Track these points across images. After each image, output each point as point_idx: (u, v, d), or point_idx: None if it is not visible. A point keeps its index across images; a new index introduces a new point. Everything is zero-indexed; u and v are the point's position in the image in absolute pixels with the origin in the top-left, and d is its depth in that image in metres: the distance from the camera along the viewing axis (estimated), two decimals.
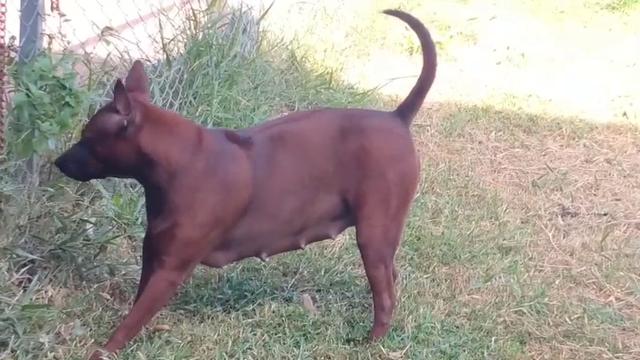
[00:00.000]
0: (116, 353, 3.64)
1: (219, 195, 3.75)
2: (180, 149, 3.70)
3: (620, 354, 4.20)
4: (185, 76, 5.85)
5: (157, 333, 3.85)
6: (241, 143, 3.83)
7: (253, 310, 4.11)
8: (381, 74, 7.86)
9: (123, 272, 4.27)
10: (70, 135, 4.49)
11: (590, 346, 4.23)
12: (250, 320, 4.03)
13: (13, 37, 4.15)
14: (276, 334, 3.98)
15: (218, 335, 3.89)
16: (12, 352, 3.54)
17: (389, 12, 4.63)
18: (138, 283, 4.07)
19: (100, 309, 3.97)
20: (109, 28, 4.85)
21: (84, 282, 4.14)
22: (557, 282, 4.82)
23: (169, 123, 3.77)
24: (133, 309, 3.82)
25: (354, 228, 4.06)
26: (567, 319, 4.42)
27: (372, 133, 3.98)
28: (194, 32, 6.06)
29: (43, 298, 3.94)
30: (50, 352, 3.60)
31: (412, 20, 4.27)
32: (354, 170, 3.91)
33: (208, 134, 3.85)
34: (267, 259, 4.10)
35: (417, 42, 8.60)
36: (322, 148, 3.91)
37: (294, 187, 3.87)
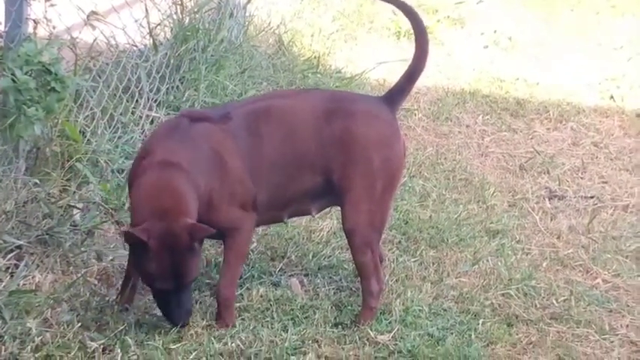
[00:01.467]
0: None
1: (217, 174, 3.77)
2: (184, 198, 3.66)
3: (607, 336, 4.22)
4: (172, 61, 5.84)
5: (147, 317, 3.85)
6: (212, 119, 3.84)
7: (241, 294, 4.11)
8: (369, 58, 7.85)
9: (110, 257, 4.26)
10: (56, 120, 4.48)
11: (577, 328, 4.25)
12: (238, 305, 4.02)
13: None
14: (264, 318, 3.98)
15: (206, 320, 3.89)
16: None
17: None
18: (125, 267, 4.06)
19: (88, 294, 3.95)
20: (94, 13, 4.84)
21: (71, 267, 4.14)
22: (544, 264, 4.83)
23: (169, 198, 3.63)
24: (228, 263, 3.91)
25: (339, 213, 4.06)
26: (554, 302, 4.43)
27: (358, 117, 3.98)
28: (180, 17, 6.04)
29: (30, 283, 3.93)
30: (38, 337, 3.58)
31: (405, 7, 4.23)
32: (338, 153, 3.91)
33: (164, 155, 3.70)
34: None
35: (404, 26, 8.64)
36: (306, 127, 3.91)
37: (279, 161, 3.88)
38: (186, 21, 6.07)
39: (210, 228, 3.60)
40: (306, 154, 3.91)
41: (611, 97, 7.97)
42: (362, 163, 3.93)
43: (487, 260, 4.75)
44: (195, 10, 6.16)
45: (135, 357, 3.60)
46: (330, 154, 3.92)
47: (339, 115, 3.94)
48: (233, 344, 3.74)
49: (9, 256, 3.94)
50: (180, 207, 3.59)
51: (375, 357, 3.83)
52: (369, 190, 3.94)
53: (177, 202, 3.59)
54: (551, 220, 5.48)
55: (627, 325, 4.36)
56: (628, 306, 4.55)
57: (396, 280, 4.43)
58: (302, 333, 3.89)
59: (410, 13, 4.19)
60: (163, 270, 3.57)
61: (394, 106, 4.10)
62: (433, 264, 4.68)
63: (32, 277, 3.96)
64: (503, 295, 4.43)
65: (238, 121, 3.85)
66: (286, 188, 3.95)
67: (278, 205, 3.99)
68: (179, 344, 3.71)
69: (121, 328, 3.72)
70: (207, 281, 4.22)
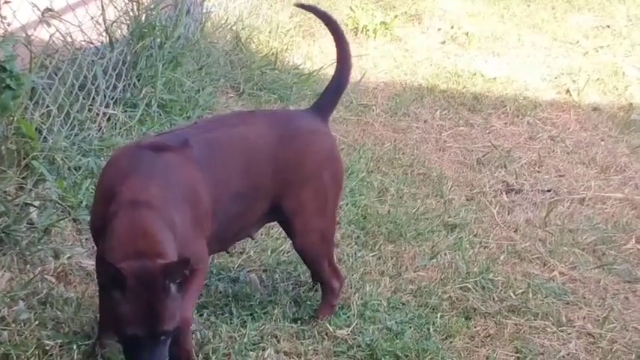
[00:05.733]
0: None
1: (188, 205, 3.52)
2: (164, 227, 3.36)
3: (564, 327, 4.27)
4: (128, 58, 5.81)
5: None
6: (175, 149, 3.55)
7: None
8: (326, 55, 7.85)
9: (67, 255, 4.22)
10: (11, 118, 4.44)
11: (535, 320, 4.29)
12: (198, 301, 4.00)
13: None
14: (222, 314, 3.98)
15: None
16: None
17: (301, 6, 4.46)
18: (82, 266, 4.05)
19: (45, 292, 3.93)
20: (49, 10, 4.81)
21: (28, 265, 4.11)
22: (501, 258, 4.86)
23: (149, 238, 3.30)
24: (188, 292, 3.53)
25: None
26: (512, 294, 4.47)
27: (306, 136, 3.91)
28: (137, 14, 6.00)
29: None
30: None
31: (325, 16, 4.19)
32: (292, 175, 3.82)
33: (132, 193, 3.36)
34: None
35: (362, 22, 8.66)
36: (265, 155, 3.78)
37: (240, 192, 3.73)
38: (143, 18, 6.03)
39: (185, 269, 3.25)
40: (264, 183, 3.78)
41: (568, 91, 8.05)
42: (313, 182, 3.87)
43: (445, 254, 4.78)
44: (152, 6, 6.13)
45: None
46: (284, 177, 3.81)
47: (290, 138, 3.84)
48: (192, 340, 3.72)
49: None
50: (154, 248, 3.26)
51: (334, 351, 3.85)
52: (321, 206, 3.90)
53: (151, 244, 3.26)
54: (509, 213, 5.52)
55: (584, 317, 4.41)
56: (584, 298, 4.60)
57: (355, 275, 4.44)
58: (261, 328, 3.90)
59: (330, 23, 4.15)
60: (137, 312, 3.17)
61: (327, 118, 4.05)
62: (392, 258, 4.70)
63: None
64: (461, 288, 4.46)
65: (199, 150, 3.61)
66: (243, 219, 3.83)
67: (231, 235, 3.89)
68: None
69: (73, 335, 3.68)
70: None
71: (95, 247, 3.60)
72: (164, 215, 3.36)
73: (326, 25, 4.20)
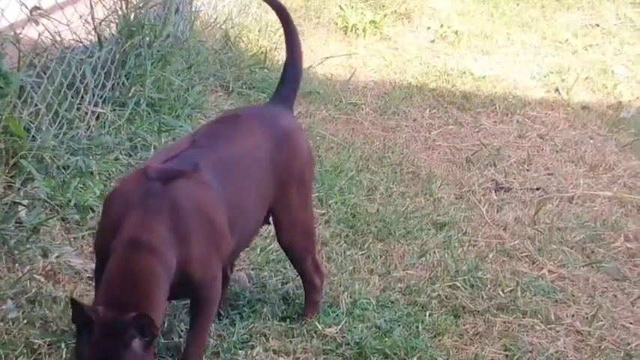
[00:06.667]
0: None
1: (202, 233, 3.37)
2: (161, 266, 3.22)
3: (552, 325, 4.27)
4: (117, 57, 5.79)
5: None
6: (187, 174, 3.38)
7: None
8: (315, 53, 7.86)
9: (56, 254, 4.21)
10: None
11: (524, 318, 4.29)
12: (185, 301, 4.01)
13: None
14: None
15: None
16: None
17: None
18: (71, 264, 4.04)
19: (34, 290, 3.92)
20: (37, 8, 4.80)
21: (17, 264, 4.09)
22: (490, 256, 4.87)
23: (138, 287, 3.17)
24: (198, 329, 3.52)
25: None
26: (501, 292, 4.47)
27: (292, 133, 3.87)
28: (126, 12, 5.99)
29: None
30: None
31: (275, 4, 4.15)
32: (284, 175, 3.75)
33: (134, 231, 3.20)
34: None
35: (351, 21, 8.66)
36: (265, 165, 3.69)
37: (254, 210, 3.68)
38: (132, 17, 6.02)
39: (155, 329, 3.09)
40: (267, 192, 3.72)
41: (557, 90, 8.07)
42: (299, 179, 3.83)
43: (434, 252, 4.78)
44: (141, 5, 6.12)
45: None
46: (279, 179, 3.74)
47: (282, 138, 3.78)
48: (181, 339, 3.73)
49: None
50: (139, 300, 3.11)
51: (323, 350, 3.84)
52: (304, 203, 3.87)
53: (137, 295, 3.12)
54: (498, 212, 5.52)
55: (573, 315, 4.42)
56: (573, 296, 4.60)
57: (344, 273, 4.44)
58: (250, 327, 3.89)
59: (278, 10, 4.13)
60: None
61: (292, 110, 4.02)
62: (381, 257, 4.70)
63: None
64: (450, 286, 4.46)
65: (209, 173, 3.45)
66: (255, 233, 3.86)
67: (242, 250, 3.92)
68: None
69: (61, 334, 3.68)
70: None
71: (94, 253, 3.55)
72: (163, 259, 3.21)
73: (275, 11, 4.18)
